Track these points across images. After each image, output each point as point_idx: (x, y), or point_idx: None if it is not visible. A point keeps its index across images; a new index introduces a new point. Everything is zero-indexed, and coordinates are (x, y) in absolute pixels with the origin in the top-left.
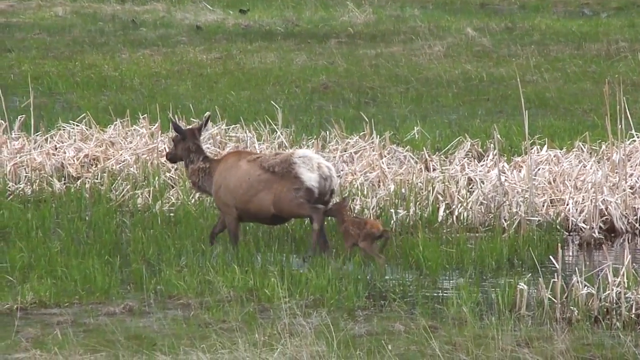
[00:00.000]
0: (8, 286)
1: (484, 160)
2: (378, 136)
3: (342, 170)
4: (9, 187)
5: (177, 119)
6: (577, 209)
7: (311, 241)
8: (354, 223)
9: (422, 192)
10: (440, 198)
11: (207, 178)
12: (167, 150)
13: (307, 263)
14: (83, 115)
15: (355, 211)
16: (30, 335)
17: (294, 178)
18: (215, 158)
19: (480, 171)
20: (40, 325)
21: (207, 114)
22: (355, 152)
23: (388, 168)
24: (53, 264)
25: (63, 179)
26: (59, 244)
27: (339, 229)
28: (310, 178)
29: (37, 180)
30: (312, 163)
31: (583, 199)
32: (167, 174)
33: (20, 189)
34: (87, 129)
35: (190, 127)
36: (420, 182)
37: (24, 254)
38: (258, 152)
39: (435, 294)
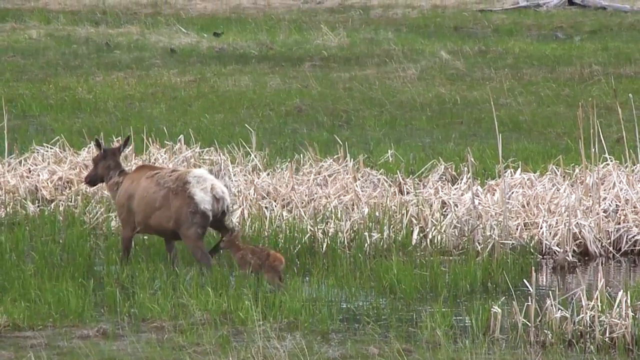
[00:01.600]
0: None
1: (458, 184)
2: (352, 159)
3: (234, 191)
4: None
5: (151, 141)
6: (550, 233)
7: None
8: (254, 252)
9: (396, 216)
10: (414, 221)
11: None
12: (87, 173)
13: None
14: (57, 138)
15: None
16: (3, 358)
17: (188, 198)
18: (128, 173)
19: (454, 194)
20: (14, 349)
21: (128, 135)
22: (329, 175)
23: (362, 191)
24: (27, 286)
25: (37, 201)
26: (32, 267)
27: (234, 258)
28: (203, 200)
29: (11, 203)
30: (205, 184)
31: (557, 223)
32: None
33: None
34: (60, 152)
35: (112, 147)
36: (394, 206)
37: None
38: (160, 167)
39: (409, 317)
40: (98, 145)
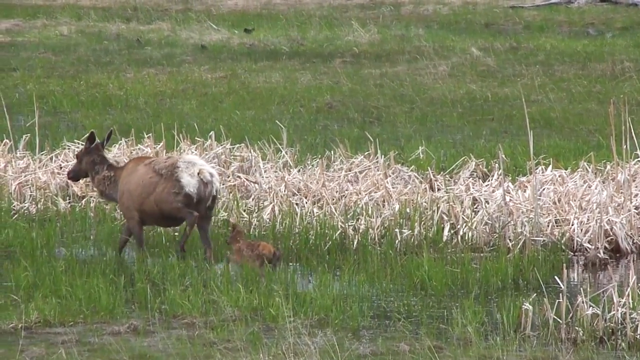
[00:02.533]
0: (13, 305)
1: (489, 180)
2: (383, 156)
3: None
4: (14, 206)
5: (182, 138)
6: (582, 229)
7: (181, 241)
8: (248, 245)
9: (427, 212)
10: (445, 218)
11: (113, 185)
12: (70, 168)
13: (180, 254)
14: (88, 134)
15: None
16: (34, 354)
17: (175, 181)
18: (119, 166)
19: (485, 191)
20: (45, 345)
21: (110, 129)
22: (360, 172)
23: (393, 188)
24: (58, 283)
25: (68, 198)
26: (63, 263)
27: (233, 249)
28: (189, 183)
29: (42, 200)
30: (194, 169)
31: (588, 219)
32: None
33: (25, 208)
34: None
35: (96, 142)
36: (425, 202)
37: (28, 272)
38: (156, 156)
39: (440, 314)
40: (92, 139)
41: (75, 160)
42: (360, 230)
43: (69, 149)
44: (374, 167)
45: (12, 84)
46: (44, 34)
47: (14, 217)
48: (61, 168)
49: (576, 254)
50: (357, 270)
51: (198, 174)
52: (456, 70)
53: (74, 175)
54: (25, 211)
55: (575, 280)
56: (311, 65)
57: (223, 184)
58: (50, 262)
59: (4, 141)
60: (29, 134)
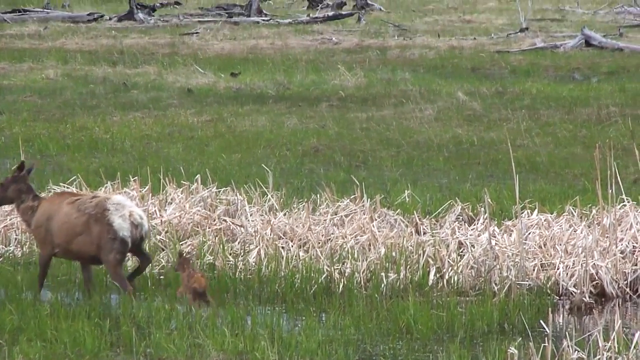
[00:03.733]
0: None
1: (475, 224)
2: (369, 199)
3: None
4: None
5: (167, 181)
6: (567, 273)
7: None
8: (188, 275)
9: (413, 256)
10: (431, 262)
11: (33, 215)
12: None
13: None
14: (74, 177)
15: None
16: None
17: (108, 225)
18: (44, 197)
19: (470, 235)
20: None
21: (33, 161)
22: (346, 216)
23: (379, 231)
24: (42, 326)
25: None
26: (48, 307)
27: (184, 283)
28: (122, 227)
29: (27, 243)
30: (124, 211)
31: (574, 263)
32: (158, 237)
33: (10, 252)
34: (77, 192)
35: (23, 173)
36: (411, 246)
37: (13, 316)
38: (80, 193)
39: (426, 358)
40: (21, 168)
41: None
42: (346, 274)
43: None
44: (360, 210)
45: None
46: (30, 77)
47: None
48: None
49: (561, 298)
50: (342, 314)
51: (129, 216)
52: (442, 114)
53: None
54: (11, 254)
55: (561, 324)
56: (297, 109)
57: (209, 228)
58: (35, 306)
59: None
60: None
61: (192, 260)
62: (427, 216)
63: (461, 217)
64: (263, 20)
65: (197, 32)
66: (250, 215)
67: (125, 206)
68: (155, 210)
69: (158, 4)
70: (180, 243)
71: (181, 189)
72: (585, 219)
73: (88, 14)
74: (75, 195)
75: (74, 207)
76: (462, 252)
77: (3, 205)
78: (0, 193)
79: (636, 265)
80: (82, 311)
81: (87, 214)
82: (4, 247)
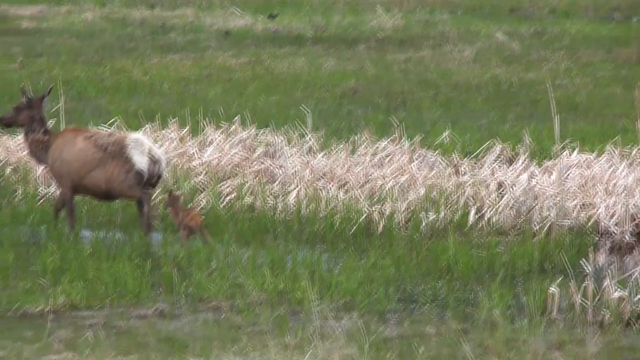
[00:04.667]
0: (40, 289)
1: (515, 164)
2: (408, 140)
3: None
4: (40, 191)
5: (206, 123)
6: (608, 213)
7: (143, 222)
8: (184, 212)
9: (453, 196)
10: (471, 202)
11: (44, 150)
12: (5, 115)
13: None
14: (113, 119)
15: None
16: (62, 337)
17: (125, 160)
18: (54, 132)
19: (510, 175)
20: (72, 328)
21: (51, 85)
22: (386, 156)
23: (418, 172)
24: (84, 267)
25: None
26: (90, 248)
27: (175, 219)
28: (140, 162)
29: None
30: (143, 147)
31: (614, 203)
32: (197, 178)
33: (51, 193)
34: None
35: (36, 97)
36: (451, 186)
37: (55, 257)
38: (94, 130)
39: (466, 298)
40: (24, 94)
41: (12, 109)
42: (386, 215)
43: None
44: (399, 151)
45: (38, 69)
46: (69, 20)
47: (40, 202)
48: None
49: (602, 237)
50: (382, 254)
51: (148, 152)
52: (481, 55)
53: (7, 122)
54: (52, 196)
55: (601, 263)
56: (335, 51)
57: (248, 169)
58: (76, 247)
59: None
60: (54, 119)
61: (181, 199)
62: (467, 156)
63: (501, 158)
64: None
65: None
66: (290, 157)
67: (144, 143)
68: (194, 152)
69: None
70: (220, 184)
71: (220, 131)
72: (626, 158)
73: None
74: (89, 132)
75: (90, 143)
76: (502, 192)
77: (9, 127)
78: (14, 115)
79: None
80: (123, 252)
81: (105, 149)
82: (45, 188)
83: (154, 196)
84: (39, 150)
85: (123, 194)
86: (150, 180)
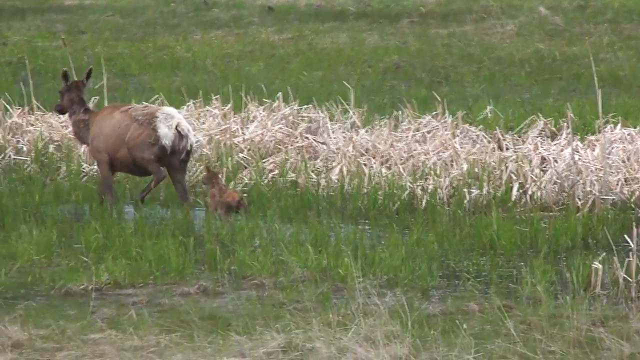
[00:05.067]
0: (83, 267)
1: (558, 139)
2: (451, 115)
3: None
4: (84, 169)
5: (249, 99)
6: None
7: (142, 194)
8: (220, 190)
9: (495, 172)
10: (514, 177)
11: (86, 129)
12: (57, 103)
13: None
14: (156, 96)
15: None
16: (105, 315)
17: (152, 130)
18: (94, 111)
19: (553, 150)
20: (116, 306)
21: (90, 67)
22: (428, 132)
23: (461, 147)
24: (127, 244)
25: None
26: (133, 225)
27: (211, 197)
28: (165, 135)
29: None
30: (172, 121)
31: None
32: (240, 155)
33: (94, 170)
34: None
35: (76, 79)
36: (493, 162)
37: (98, 234)
38: (132, 104)
39: (509, 274)
40: (65, 77)
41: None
42: (429, 190)
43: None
44: (442, 127)
45: (81, 46)
46: None
47: (83, 179)
48: None
49: None
50: (425, 230)
51: (176, 127)
52: (524, 29)
53: (60, 109)
54: (95, 173)
55: None
56: (378, 26)
57: (291, 145)
58: (119, 224)
59: None
60: (97, 97)
61: (220, 175)
62: (510, 131)
63: (544, 132)
64: None
65: None
66: (332, 133)
67: (174, 117)
68: (237, 129)
69: None
70: (263, 161)
71: (263, 107)
72: None
73: None
74: (127, 106)
75: (125, 115)
76: (544, 167)
77: (64, 114)
78: (60, 103)
79: None
80: (167, 229)
81: (137, 120)
82: (88, 165)
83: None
84: (82, 129)
85: (140, 162)
86: (177, 155)
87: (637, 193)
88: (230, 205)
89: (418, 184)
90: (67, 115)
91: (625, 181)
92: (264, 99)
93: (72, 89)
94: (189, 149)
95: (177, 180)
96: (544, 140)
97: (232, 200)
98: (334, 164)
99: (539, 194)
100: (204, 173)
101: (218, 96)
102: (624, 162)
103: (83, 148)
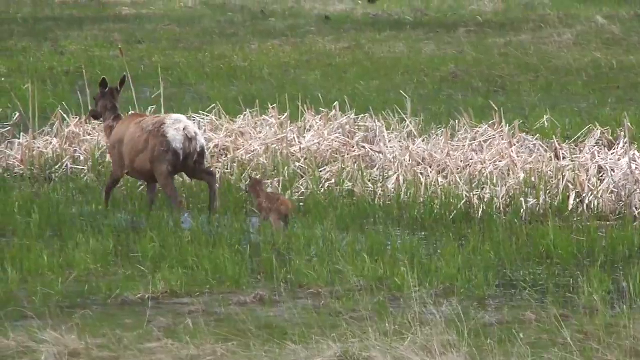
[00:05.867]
0: (140, 276)
1: (615, 148)
2: (507, 125)
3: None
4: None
5: (306, 108)
6: None
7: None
8: (268, 197)
9: (552, 181)
10: (571, 186)
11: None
12: (92, 110)
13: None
14: (213, 105)
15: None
16: (162, 324)
17: (162, 137)
18: (121, 118)
19: (610, 159)
20: (172, 315)
21: (124, 74)
22: (485, 141)
23: (518, 157)
24: (184, 253)
25: None
26: (189, 234)
27: (255, 204)
28: (175, 139)
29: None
30: (179, 125)
31: None
32: (297, 164)
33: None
34: (217, 120)
35: (110, 86)
36: (550, 171)
37: (155, 243)
38: (146, 115)
39: (566, 283)
40: (104, 84)
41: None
42: (485, 199)
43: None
44: (498, 136)
45: (138, 56)
46: (169, 6)
47: (140, 189)
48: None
49: None
50: (482, 239)
51: (183, 129)
52: (581, 38)
53: (92, 115)
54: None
55: None
56: (435, 35)
57: (347, 154)
58: (176, 233)
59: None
60: (154, 106)
61: (265, 183)
62: (567, 141)
63: (601, 142)
64: None
65: None
66: (389, 142)
67: (181, 121)
68: (294, 138)
69: None
70: (319, 170)
71: (320, 116)
72: None
73: None
74: (141, 117)
75: (138, 127)
76: (602, 176)
77: (97, 119)
78: (93, 108)
79: None
80: (223, 238)
81: (148, 131)
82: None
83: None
84: (109, 135)
85: (156, 172)
86: (190, 158)
87: None
88: (282, 213)
89: (474, 193)
90: (100, 120)
91: None
92: (321, 108)
93: (107, 95)
94: (199, 150)
95: (207, 182)
96: (600, 149)
97: (285, 209)
98: (390, 173)
99: (595, 203)
100: (247, 181)
101: (275, 105)
102: None
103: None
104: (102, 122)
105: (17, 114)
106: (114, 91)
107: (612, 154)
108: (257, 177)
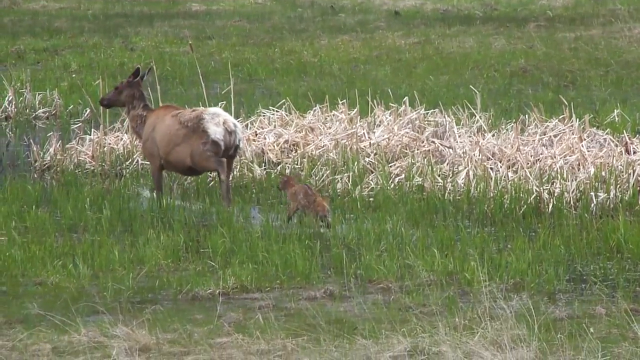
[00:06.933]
0: (210, 271)
1: None
2: (577, 119)
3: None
4: (211, 174)
5: (376, 103)
6: None
7: (223, 194)
8: (306, 193)
9: (623, 175)
10: None
11: (142, 125)
12: (106, 96)
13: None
14: (282, 101)
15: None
16: (232, 319)
17: (202, 132)
18: (151, 109)
19: None
20: (242, 310)
21: (151, 66)
22: (555, 136)
23: (588, 151)
24: (254, 249)
25: (263, 164)
26: (259, 229)
27: (287, 193)
28: (215, 132)
29: (238, 166)
30: (218, 119)
31: None
32: (367, 159)
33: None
34: (286, 115)
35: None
36: (621, 165)
37: (225, 239)
38: (184, 108)
39: (637, 277)
40: (137, 73)
41: (113, 90)
42: (556, 194)
43: (264, 115)
44: (568, 130)
45: (208, 52)
46: (239, 2)
47: (210, 184)
48: (256, 135)
49: None
50: (552, 234)
51: (223, 123)
52: None
53: (108, 103)
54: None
55: None
56: (505, 30)
57: (417, 149)
58: (246, 229)
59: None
60: (224, 102)
61: (296, 177)
62: (637, 135)
63: None
64: None
65: None
66: (459, 137)
67: (220, 115)
68: (363, 133)
69: None
70: (389, 165)
71: (389, 111)
72: None
73: None
74: (177, 109)
75: (175, 120)
76: None
77: (109, 107)
78: (115, 95)
79: None
80: (293, 233)
81: (186, 125)
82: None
83: (317, 176)
84: (139, 125)
85: (202, 165)
86: (227, 150)
87: None
88: (318, 214)
89: (544, 187)
90: (124, 110)
91: None
92: (391, 104)
93: (134, 84)
94: (237, 143)
95: (221, 179)
96: None
97: (322, 211)
98: (460, 168)
99: None
100: (279, 179)
101: (344, 101)
102: None
103: (138, 142)
104: (127, 111)
105: (88, 110)
106: (140, 81)
107: None
108: (288, 174)
